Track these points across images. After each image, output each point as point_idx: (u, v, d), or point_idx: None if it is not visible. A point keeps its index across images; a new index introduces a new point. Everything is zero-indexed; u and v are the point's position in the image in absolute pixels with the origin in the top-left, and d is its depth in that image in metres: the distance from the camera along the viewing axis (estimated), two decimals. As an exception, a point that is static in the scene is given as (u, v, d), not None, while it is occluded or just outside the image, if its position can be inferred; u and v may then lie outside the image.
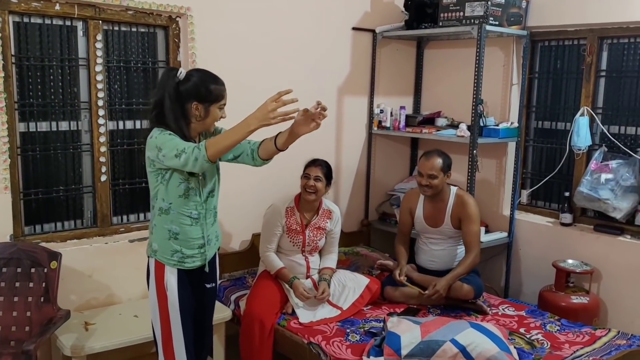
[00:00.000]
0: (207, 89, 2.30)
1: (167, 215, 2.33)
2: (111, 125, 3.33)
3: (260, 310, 3.10)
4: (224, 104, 2.37)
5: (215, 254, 2.54)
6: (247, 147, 2.40)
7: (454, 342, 2.63)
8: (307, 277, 3.34)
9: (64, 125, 3.19)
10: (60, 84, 3.16)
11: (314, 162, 3.33)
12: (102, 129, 3.25)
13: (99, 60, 3.19)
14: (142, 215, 3.52)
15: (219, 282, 3.56)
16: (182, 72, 2.29)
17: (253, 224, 3.65)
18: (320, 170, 3.27)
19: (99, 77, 3.20)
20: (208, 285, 2.51)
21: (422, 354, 2.63)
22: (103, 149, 3.27)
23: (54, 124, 3.15)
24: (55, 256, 2.83)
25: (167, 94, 2.26)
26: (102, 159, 3.28)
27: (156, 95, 2.32)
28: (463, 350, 2.60)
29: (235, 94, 3.55)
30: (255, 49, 3.64)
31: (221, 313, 3.20)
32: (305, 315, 3.14)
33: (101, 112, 3.24)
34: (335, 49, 4.04)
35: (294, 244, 3.30)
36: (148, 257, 2.45)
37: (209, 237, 2.44)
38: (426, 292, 3.22)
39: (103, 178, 3.30)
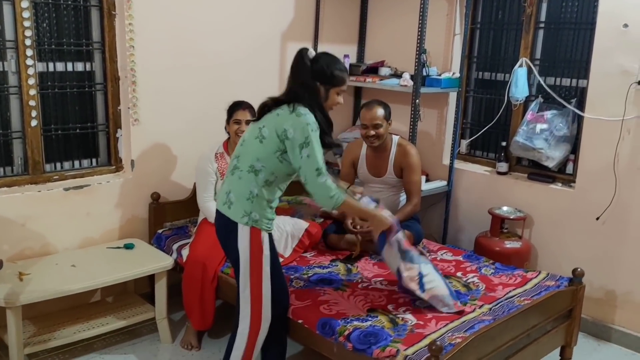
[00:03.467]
0: (332, 72, 2.45)
1: (269, 187, 2.45)
2: (40, 66, 3.14)
3: (204, 255, 3.07)
4: (344, 90, 2.53)
5: None
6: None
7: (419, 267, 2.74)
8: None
9: (-12, 66, 2.99)
10: (-18, 20, 2.94)
11: (240, 106, 3.28)
12: (30, 71, 3.05)
13: (25, -4, 2.97)
14: (76, 163, 3.38)
15: (161, 230, 3.53)
16: (312, 52, 2.47)
17: (193, 171, 3.56)
18: (249, 113, 3.23)
19: (26, 14, 2.99)
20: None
21: (401, 256, 2.74)
22: (32, 92, 3.08)
23: (-24, 64, 2.95)
24: (-16, 204, 2.69)
25: (305, 73, 2.44)
26: (32, 103, 3.09)
27: (293, 77, 2.49)
28: (421, 278, 2.70)
29: (175, 33, 3.44)
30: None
31: (163, 262, 3.16)
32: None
33: (29, 53, 3.03)
34: (278, -7, 3.93)
35: None
36: (237, 223, 2.45)
37: None
38: (359, 227, 3.27)
39: (33, 123, 3.12)
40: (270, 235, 2.52)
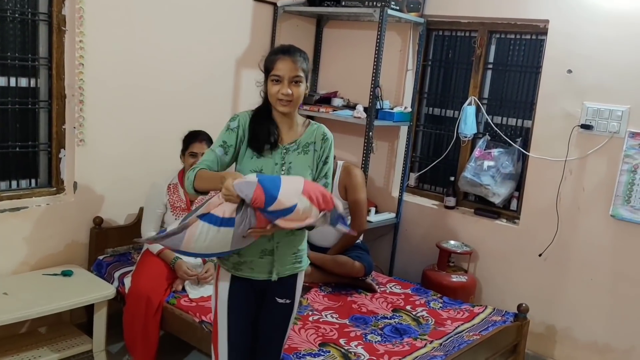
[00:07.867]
0: (264, 58, 2.15)
1: None
2: (-20, 80, 2.97)
3: (147, 287, 2.94)
4: (276, 77, 2.07)
5: (294, 271, 2.22)
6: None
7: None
8: (197, 254, 3.20)
9: None
10: None
11: (196, 137, 3.14)
12: (-31, 84, 2.88)
13: (-32, 5, 2.81)
14: (14, 183, 3.18)
15: (102, 257, 3.35)
16: None
17: (140, 197, 3.43)
18: (206, 145, 3.10)
19: (-32, 25, 2.83)
20: (280, 300, 2.21)
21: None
22: (-30, 106, 2.91)
23: None
24: None
25: None
26: (-31, 118, 2.91)
27: None
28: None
29: (129, 54, 3.34)
30: (149, 10, 3.41)
31: (104, 290, 3.01)
32: (195, 291, 3.03)
33: (-31, 65, 2.87)
34: (235, 19, 3.89)
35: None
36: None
37: (278, 245, 2.14)
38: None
39: (-31, 139, 2.93)
40: (234, 278, 2.17)
